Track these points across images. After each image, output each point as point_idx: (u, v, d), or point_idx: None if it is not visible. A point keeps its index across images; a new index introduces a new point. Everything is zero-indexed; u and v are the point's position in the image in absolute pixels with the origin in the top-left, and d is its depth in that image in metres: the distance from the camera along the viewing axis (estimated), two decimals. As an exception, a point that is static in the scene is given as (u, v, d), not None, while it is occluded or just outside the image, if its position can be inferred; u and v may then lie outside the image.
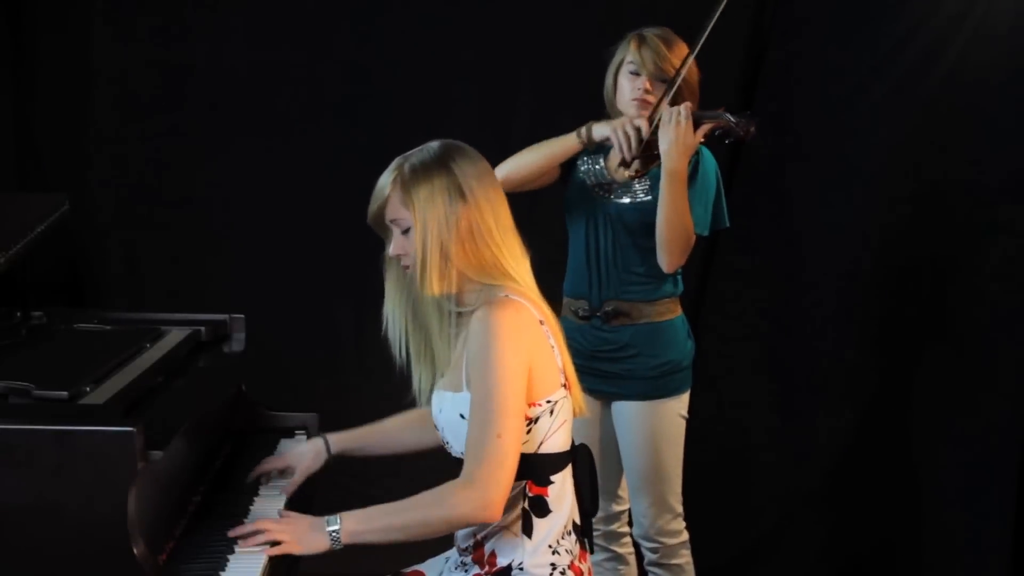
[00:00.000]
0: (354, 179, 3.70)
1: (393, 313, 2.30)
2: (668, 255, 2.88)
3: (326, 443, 2.50)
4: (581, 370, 2.97)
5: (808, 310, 3.82)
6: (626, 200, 2.95)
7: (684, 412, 3.02)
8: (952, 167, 3.69)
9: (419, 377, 2.30)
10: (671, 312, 3.00)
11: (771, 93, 3.76)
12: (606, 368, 2.99)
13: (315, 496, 2.56)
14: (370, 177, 2.29)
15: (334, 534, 2.13)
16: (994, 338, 3.69)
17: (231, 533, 2.18)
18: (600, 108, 3.06)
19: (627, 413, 3.01)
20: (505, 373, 2.11)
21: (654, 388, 2.96)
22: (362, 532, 2.13)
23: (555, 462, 2.23)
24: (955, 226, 3.69)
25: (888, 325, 3.77)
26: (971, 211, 3.68)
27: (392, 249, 2.24)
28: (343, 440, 2.51)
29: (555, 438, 2.22)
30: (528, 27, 3.76)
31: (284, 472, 2.53)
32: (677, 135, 2.79)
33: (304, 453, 2.51)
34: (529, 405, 2.17)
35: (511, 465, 2.11)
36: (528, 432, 2.18)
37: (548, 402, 2.20)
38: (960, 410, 3.72)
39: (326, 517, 2.15)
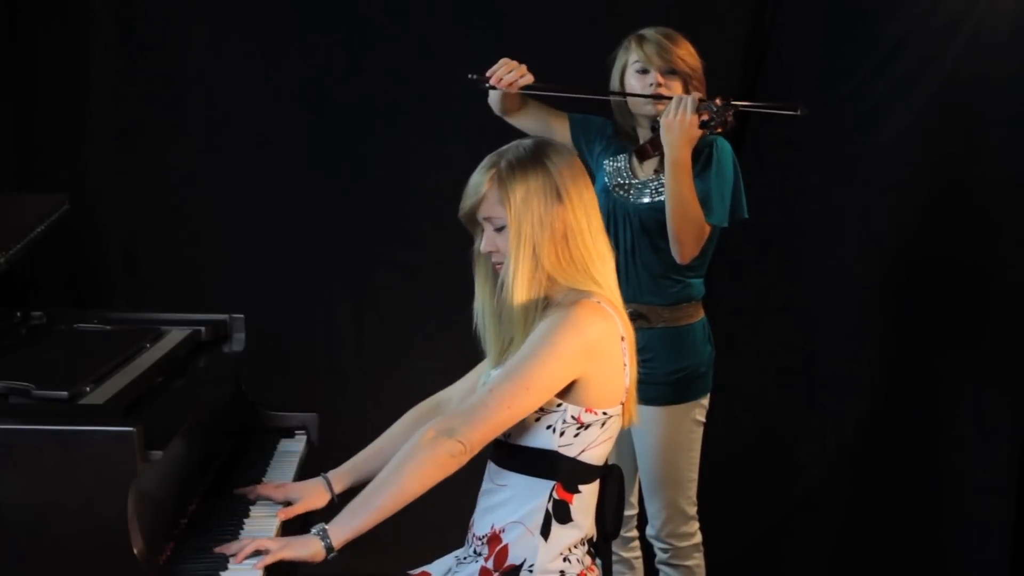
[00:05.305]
0: (355, 180, 3.73)
1: (482, 309, 2.27)
2: (679, 245, 2.84)
3: (328, 485, 2.38)
4: None
5: (817, 308, 3.82)
6: (644, 200, 2.93)
7: (701, 418, 2.99)
8: (953, 167, 3.69)
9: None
10: (690, 317, 2.97)
11: (771, 93, 3.75)
12: None
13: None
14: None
15: (324, 538, 2.08)
16: (997, 337, 3.70)
17: (218, 549, 2.11)
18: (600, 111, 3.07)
19: (642, 417, 2.94)
20: (554, 353, 2.09)
21: (670, 393, 2.94)
22: (349, 522, 2.09)
23: (588, 473, 2.21)
24: (958, 226, 3.70)
25: (894, 325, 3.77)
26: (973, 211, 3.68)
27: (484, 246, 2.22)
28: (344, 477, 2.40)
29: (597, 450, 2.21)
30: (532, 28, 3.76)
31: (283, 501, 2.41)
32: (679, 124, 2.76)
33: (306, 490, 2.40)
34: (586, 410, 2.16)
35: (495, 425, 2.09)
36: (576, 436, 2.17)
37: (604, 414, 2.19)
38: (968, 408, 3.73)
39: (313, 528, 2.11)
